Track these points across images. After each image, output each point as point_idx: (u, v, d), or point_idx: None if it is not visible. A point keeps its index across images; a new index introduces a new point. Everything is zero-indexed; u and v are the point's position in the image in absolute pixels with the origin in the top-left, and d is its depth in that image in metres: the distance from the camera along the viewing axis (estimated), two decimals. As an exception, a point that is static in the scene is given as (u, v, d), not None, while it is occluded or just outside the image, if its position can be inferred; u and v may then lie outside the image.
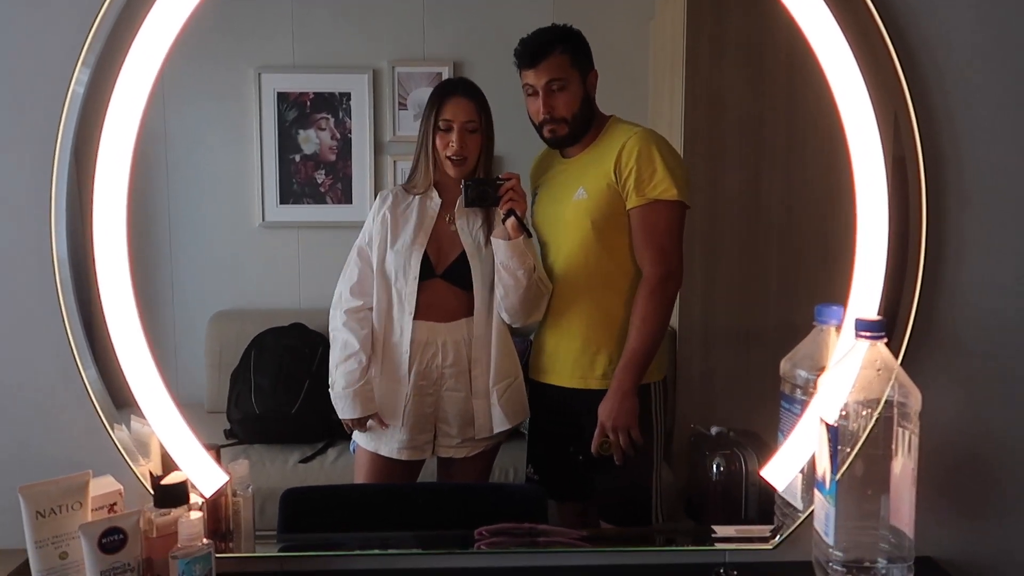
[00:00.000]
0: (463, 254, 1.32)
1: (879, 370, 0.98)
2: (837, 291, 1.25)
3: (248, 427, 1.50)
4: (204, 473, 1.10)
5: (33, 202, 1.15)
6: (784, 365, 1.15)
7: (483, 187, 1.28)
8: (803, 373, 1.12)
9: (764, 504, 1.34)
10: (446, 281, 1.32)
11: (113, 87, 1.06)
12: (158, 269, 1.50)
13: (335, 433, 1.45)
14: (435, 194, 1.32)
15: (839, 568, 1.01)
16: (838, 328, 1.13)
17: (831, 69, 1.08)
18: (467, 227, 1.32)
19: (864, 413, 0.98)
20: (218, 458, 1.12)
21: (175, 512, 1.01)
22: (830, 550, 1.01)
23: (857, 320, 1.01)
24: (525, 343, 1.44)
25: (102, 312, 1.11)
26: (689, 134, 1.37)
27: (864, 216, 1.10)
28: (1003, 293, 1.18)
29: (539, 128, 1.30)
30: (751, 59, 1.41)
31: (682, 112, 1.38)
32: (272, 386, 1.50)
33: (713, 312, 1.48)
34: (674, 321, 1.37)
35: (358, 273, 1.33)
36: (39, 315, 1.17)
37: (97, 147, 1.08)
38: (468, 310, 1.32)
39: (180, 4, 1.07)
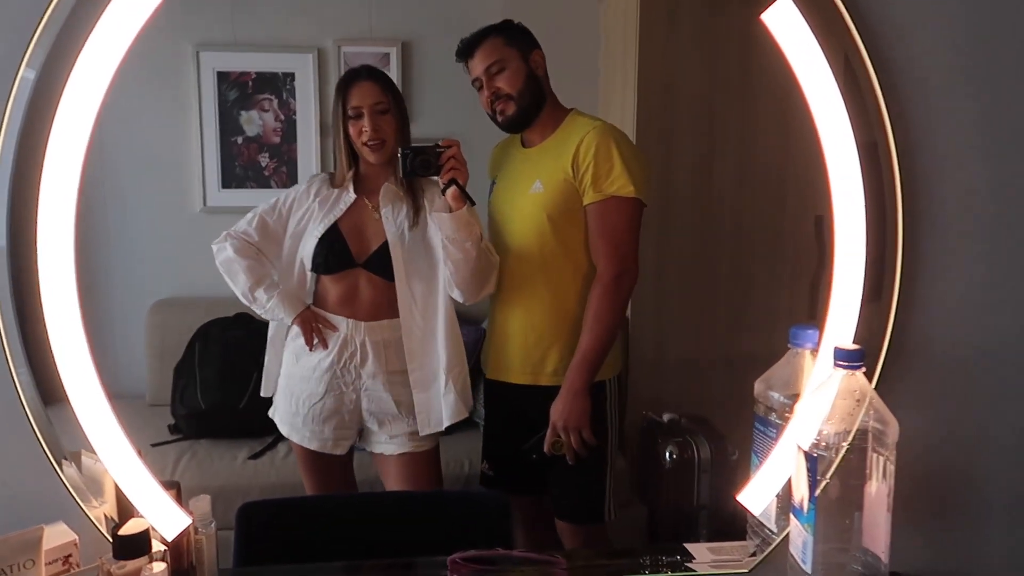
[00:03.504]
0: (386, 244, 1.28)
1: (857, 400, 0.98)
2: (786, 279, 1.26)
3: (194, 423, 1.45)
4: (163, 513, 1.04)
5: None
6: (758, 387, 1.15)
7: (424, 156, 1.21)
8: (777, 396, 1.12)
9: (715, 492, 1.36)
10: (367, 271, 1.29)
11: (69, 73, 0.97)
12: (93, 256, 1.43)
13: (285, 427, 1.42)
14: (351, 188, 1.29)
15: None
16: (813, 352, 1.13)
17: (811, 94, 1.07)
18: (392, 215, 1.28)
19: (841, 443, 0.98)
20: (178, 497, 1.07)
21: (136, 562, 0.95)
22: None
23: (836, 349, 1.00)
24: (479, 332, 1.42)
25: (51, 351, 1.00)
26: (642, 121, 1.36)
27: (841, 245, 1.09)
28: (973, 314, 1.21)
29: (492, 116, 1.28)
30: (705, 41, 1.40)
31: (635, 98, 1.37)
32: (218, 380, 1.46)
33: (666, 300, 1.48)
34: (627, 309, 1.37)
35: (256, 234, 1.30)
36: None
37: (47, 139, 0.99)
38: (391, 307, 1.28)
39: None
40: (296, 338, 1.30)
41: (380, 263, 1.27)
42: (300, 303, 1.30)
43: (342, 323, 1.29)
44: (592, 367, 1.25)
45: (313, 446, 1.32)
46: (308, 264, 1.29)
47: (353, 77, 1.28)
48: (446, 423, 1.29)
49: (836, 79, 1.05)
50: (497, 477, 1.34)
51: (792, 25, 1.03)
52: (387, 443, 1.32)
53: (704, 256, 1.47)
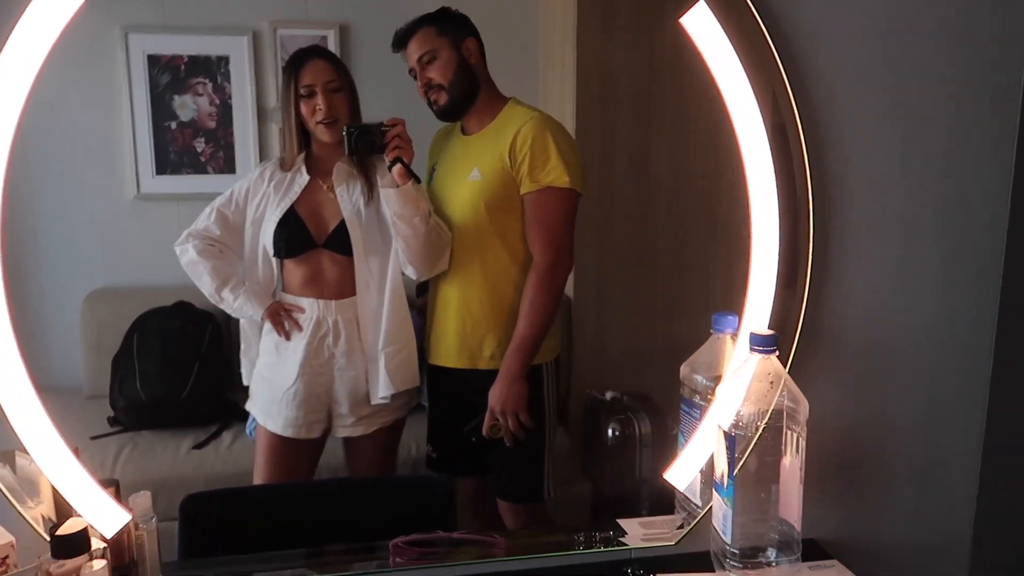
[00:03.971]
0: (343, 222, 1.29)
1: (771, 382, 1.04)
2: (721, 263, 1.30)
3: (134, 414, 1.43)
4: (102, 511, 1.03)
5: None
6: (683, 370, 1.21)
7: (368, 134, 1.24)
8: (701, 379, 1.18)
9: (656, 466, 1.41)
10: (329, 251, 1.30)
11: None
12: (22, 247, 1.38)
13: (230, 415, 1.41)
14: (303, 170, 1.30)
15: (735, 563, 1.09)
16: (733, 336, 1.18)
17: (728, 96, 1.11)
18: (347, 194, 1.30)
19: (758, 422, 1.04)
20: (117, 494, 1.06)
21: (76, 561, 0.94)
22: (727, 547, 1.09)
23: (752, 335, 1.06)
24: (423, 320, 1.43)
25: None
26: (581, 109, 1.37)
27: (757, 239, 1.17)
28: (876, 300, 1.29)
29: (429, 105, 1.29)
30: (641, 29, 1.42)
31: (573, 86, 1.38)
32: (159, 371, 1.43)
33: (607, 282, 1.51)
34: (570, 290, 1.39)
35: (216, 228, 1.30)
36: None
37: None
38: (355, 284, 1.31)
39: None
40: (271, 331, 1.32)
41: (340, 242, 1.29)
42: (267, 298, 1.31)
43: (312, 304, 1.30)
44: (528, 353, 1.28)
45: (289, 433, 1.33)
46: (270, 250, 1.29)
47: (304, 56, 1.29)
48: (380, 395, 1.32)
49: (750, 81, 1.10)
50: (440, 459, 1.37)
51: (709, 31, 1.07)
52: (354, 425, 1.34)
53: (642, 242, 1.50)
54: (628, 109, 1.43)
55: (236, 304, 1.30)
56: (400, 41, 1.27)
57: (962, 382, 1.35)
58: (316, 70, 1.27)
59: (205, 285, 1.29)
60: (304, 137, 1.29)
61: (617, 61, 1.41)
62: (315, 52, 1.29)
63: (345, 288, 1.31)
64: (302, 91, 1.26)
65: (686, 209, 1.45)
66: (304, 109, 1.27)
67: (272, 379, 1.33)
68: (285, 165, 1.30)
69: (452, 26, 1.26)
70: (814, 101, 1.19)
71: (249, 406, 1.37)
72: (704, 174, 1.40)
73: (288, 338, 1.31)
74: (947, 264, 1.31)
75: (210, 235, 1.29)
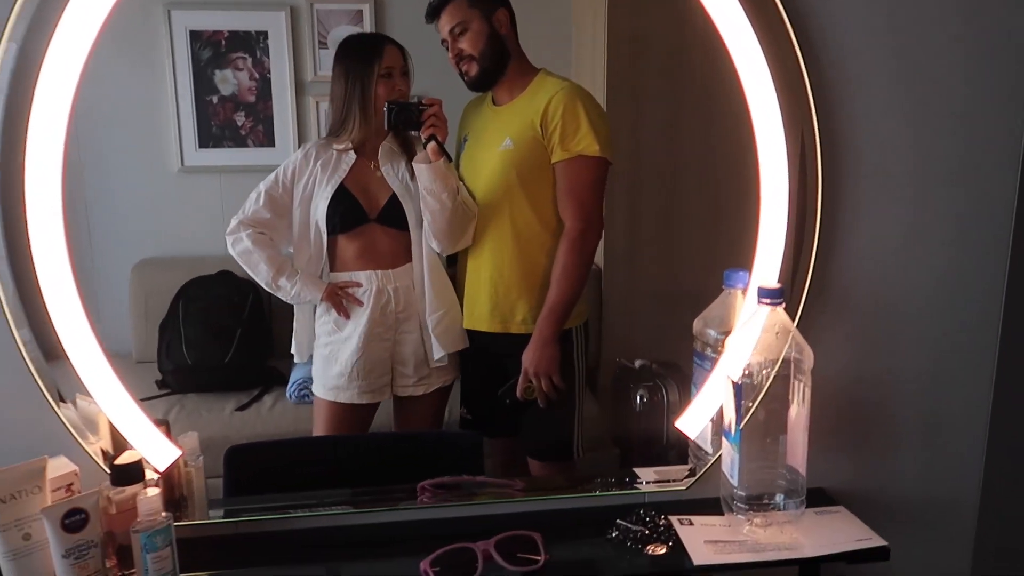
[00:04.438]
0: (394, 196, 1.34)
1: (778, 333, 1.07)
2: (753, 232, 1.32)
3: (180, 378, 1.49)
4: (155, 447, 1.12)
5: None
6: (696, 325, 1.24)
7: (407, 111, 1.29)
8: (713, 333, 1.21)
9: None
10: (381, 224, 1.35)
11: (48, 43, 1.00)
12: (74, 218, 1.44)
13: (270, 380, 1.47)
14: (350, 149, 1.34)
15: (742, 505, 1.13)
16: (744, 291, 1.21)
17: (735, 48, 1.12)
18: (393, 171, 1.35)
19: (765, 371, 1.07)
20: (168, 432, 1.14)
21: (132, 488, 1.04)
22: (735, 490, 1.12)
23: (759, 288, 1.09)
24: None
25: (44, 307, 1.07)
26: (611, 79, 1.38)
27: (767, 194, 1.19)
28: (886, 257, 1.30)
29: (460, 75, 1.32)
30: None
31: (604, 56, 1.39)
32: (203, 336, 1.49)
33: (637, 252, 1.53)
34: (600, 259, 1.42)
35: (266, 212, 1.34)
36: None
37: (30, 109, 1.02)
38: (408, 253, 1.36)
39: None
40: (328, 311, 1.36)
41: (392, 215, 1.34)
42: (322, 281, 1.36)
43: (369, 276, 1.35)
44: (560, 317, 1.32)
45: (364, 400, 1.38)
46: (324, 227, 1.34)
47: (379, 40, 1.34)
48: (435, 357, 1.37)
49: (758, 39, 1.11)
50: (475, 420, 1.41)
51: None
52: (415, 385, 1.39)
53: (672, 210, 1.51)
54: (658, 78, 1.44)
55: (293, 291, 1.35)
56: (433, 12, 1.30)
57: (971, 339, 1.37)
58: (393, 54, 1.32)
59: (261, 274, 1.34)
60: (369, 115, 1.33)
61: (648, 30, 1.41)
62: (386, 39, 1.34)
63: (398, 258, 1.36)
64: (384, 71, 1.31)
65: (716, 177, 1.46)
66: (382, 89, 1.31)
67: (334, 355, 1.38)
68: (356, 142, 1.34)
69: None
70: (823, 60, 1.20)
71: (315, 388, 1.41)
72: (735, 141, 1.40)
73: (348, 316, 1.35)
74: (958, 223, 1.31)
75: (260, 220, 1.34)
